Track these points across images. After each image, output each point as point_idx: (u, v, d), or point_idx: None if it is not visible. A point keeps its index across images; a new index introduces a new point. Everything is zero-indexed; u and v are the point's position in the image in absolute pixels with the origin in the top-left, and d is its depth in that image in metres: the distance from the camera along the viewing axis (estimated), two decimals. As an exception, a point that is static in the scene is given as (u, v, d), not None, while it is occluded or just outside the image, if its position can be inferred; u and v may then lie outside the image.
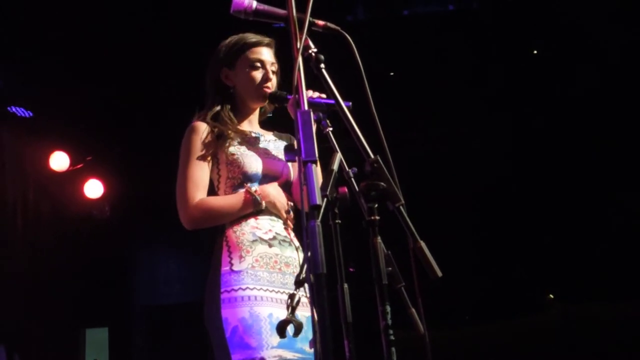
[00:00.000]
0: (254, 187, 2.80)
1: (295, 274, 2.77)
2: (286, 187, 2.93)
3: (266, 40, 3.00)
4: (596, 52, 6.92)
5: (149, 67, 6.50)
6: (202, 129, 2.84)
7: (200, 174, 2.79)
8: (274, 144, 3.00)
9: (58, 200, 7.23)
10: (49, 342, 6.74)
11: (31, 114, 6.75)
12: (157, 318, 7.99)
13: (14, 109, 6.62)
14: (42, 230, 6.94)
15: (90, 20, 6.09)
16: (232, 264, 2.69)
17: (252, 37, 2.98)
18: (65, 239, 7.09)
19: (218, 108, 2.92)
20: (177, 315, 7.66)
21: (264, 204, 2.78)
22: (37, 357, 6.48)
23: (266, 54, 2.99)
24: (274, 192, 2.82)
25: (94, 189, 7.30)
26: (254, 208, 2.77)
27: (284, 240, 2.82)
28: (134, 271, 8.22)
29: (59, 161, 7.01)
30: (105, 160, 7.35)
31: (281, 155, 2.95)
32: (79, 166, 7.20)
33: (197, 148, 2.81)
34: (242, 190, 2.79)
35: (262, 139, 2.98)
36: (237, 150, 2.83)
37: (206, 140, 2.82)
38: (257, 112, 3.07)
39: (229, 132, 2.86)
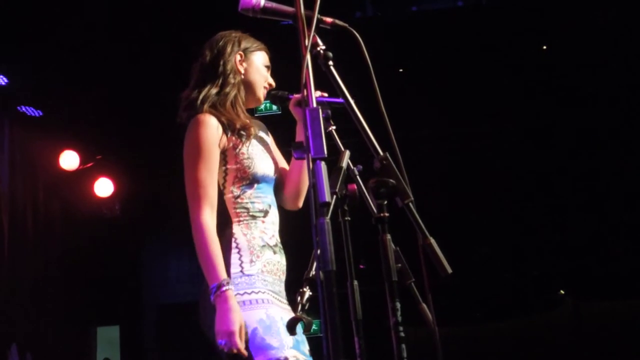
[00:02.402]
0: (227, 285, 2.55)
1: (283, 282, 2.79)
2: (279, 183, 2.91)
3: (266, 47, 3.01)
4: (607, 47, 6.88)
5: (158, 66, 6.51)
6: (213, 124, 2.72)
7: (211, 182, 2.69)
8: (262, 135, 2.94)
9: (68, 199, 7.26)
10: (60, 341, 6.76)
11: (41, 113, 6.77)
12: (168, 316, 8.01)
13: (23, 109, 6.64)
14: (52, 229, 6.97)
15: (99, 20, 6.11)
16: (242, 267, 2.65)
17: (258, 42, 2.98)
18: (75, 237, 7.12)
19: (233, 95, 2.83)
20: (188, 313, 7.64)
21: (217, 299, 2.54)
22: (49, 356, 6.51)
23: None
24: (231, 315, 2.51)
25: (104, 187, 7.33)
26: (210, 286, 2.58)
27: (281, 248, 2.81)
28: (145, 269, 8.25)
29: (69, 160, 7.04)
30: (115, 159, 7.37)
31: (271, 148, 2.93)
32: (89, 165, 7.23)
33: (209, 147, 2.70)
34: (221, 267, 2.59)
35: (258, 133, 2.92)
36: (247, 149, 2.76)
37: (217, 138, 2.72)
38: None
39: (251, 130, 2.78)
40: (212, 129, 2.72)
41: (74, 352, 7.10)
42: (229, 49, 2.88)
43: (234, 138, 2.75)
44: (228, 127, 2.75)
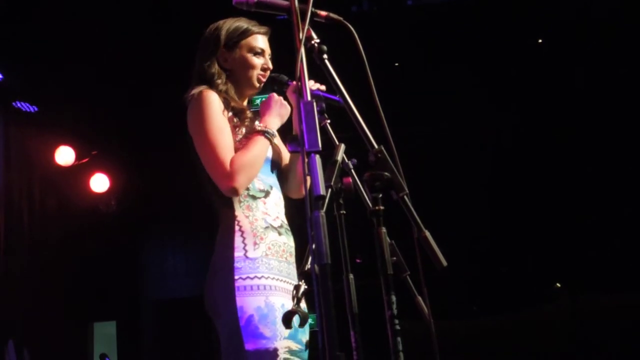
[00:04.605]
0: (258, 126, 2.76)
1: (295, 264, 2.78)
2: (284, 173, 2.94)
3: (264, 29, 2.97)
4: (604, 42, 6.88)
5: (154, 62, 6.51)
6: (216, 97, 2.74)
7: (225, 138, 2.68)
8: None
9: (64, 194, 7.25)
10: (57, 337, 6.75)
11: (36, 109, 6.76)
12: (165, 312, 8.00)
13: (19, 104, 6.63)
14: (48, 225, 6.96)
15: (95, 15, 6.10)
16: (246, 250, 2.63)
17: (252, 24, 2.95)
18: (71, 233, 7.10)
19: (225, 88, 2.85)
20: (185, 308, 7.65)
21: (275, 131, 2.76)
22: (45, 352, 6.50)
23: (266, 44, 2.97)
24: (273, 111, 2.82)
25: (99, 183, 7.32)
26: (272, 139, 2.75)
27: (287, 229, 2.81)
28: (141, 265, 8.23)
29: (65, 156, 7.03)
30: (111, 155, 7.37)
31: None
32: (84, 160, 7.23)
33: (216, 113, 2.70)
34: (252, 136, 2.73)
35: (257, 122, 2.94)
36: (243, 129, 2.78)
37: (222, 109, 2.74)
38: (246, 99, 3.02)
39: (247, 112, 2.82)
40: (215, 99, 2.74)
41: (70, 347, 7.09)
42: (209, 52, 2.90)
43: (232, 115, 2.78)
44: (227, 105, 2.79)
